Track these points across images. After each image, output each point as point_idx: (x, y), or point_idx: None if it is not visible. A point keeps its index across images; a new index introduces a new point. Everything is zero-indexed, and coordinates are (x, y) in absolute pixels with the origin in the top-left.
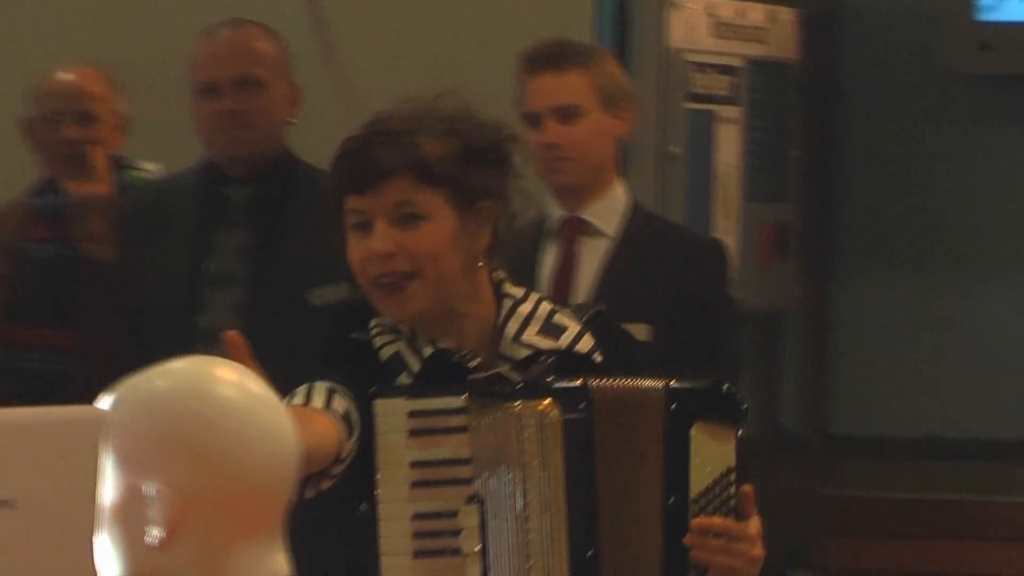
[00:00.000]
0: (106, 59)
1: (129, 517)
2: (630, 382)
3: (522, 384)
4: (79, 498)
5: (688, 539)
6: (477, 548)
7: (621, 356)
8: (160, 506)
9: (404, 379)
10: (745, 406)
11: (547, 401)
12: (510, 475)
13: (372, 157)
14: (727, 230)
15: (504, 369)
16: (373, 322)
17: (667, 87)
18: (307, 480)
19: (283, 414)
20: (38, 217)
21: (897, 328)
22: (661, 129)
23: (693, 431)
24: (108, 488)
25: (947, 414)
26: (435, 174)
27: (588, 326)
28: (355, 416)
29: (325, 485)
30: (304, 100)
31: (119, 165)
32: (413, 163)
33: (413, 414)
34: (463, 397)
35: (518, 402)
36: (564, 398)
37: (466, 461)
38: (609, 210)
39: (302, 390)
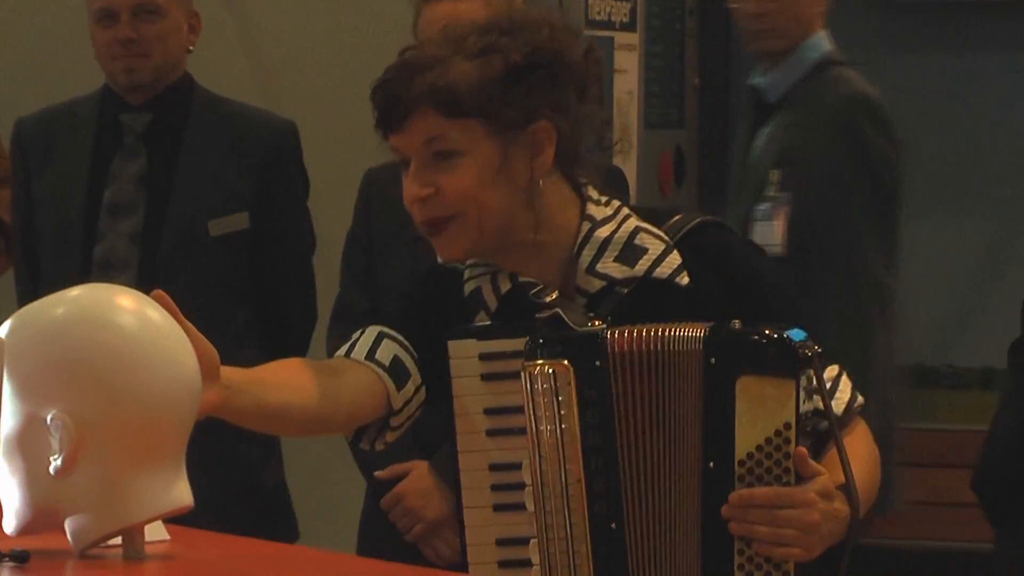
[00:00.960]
0: None
1: (29, 446)
2: (658, 329)
3: (570, 329)
4: None
5: (725, 510)
6: (532, 509)
7: (714, 275)
8: (59, 434)
9: (483, 318)
10: (809, 352)
11: (565, 362)
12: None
13: (394, 93)
14: (626, 157)
15: (562, 307)
16: None
17: (564, 13)
18: (361, 432)
19: (183, 343)
20: None
21: None
22: None
23: (739, 385)
24: (7, 417)
25: None
26: (463, 104)
27: (679, 243)
28: (409, 361)
29: (391, 437)
30: (203, 27)
31: None
32: (435, 95)
33: (484, 356)
34: (526, 340)
35: (539, 361)
36: (578, 353)
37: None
38: None
39: (353, 337)
